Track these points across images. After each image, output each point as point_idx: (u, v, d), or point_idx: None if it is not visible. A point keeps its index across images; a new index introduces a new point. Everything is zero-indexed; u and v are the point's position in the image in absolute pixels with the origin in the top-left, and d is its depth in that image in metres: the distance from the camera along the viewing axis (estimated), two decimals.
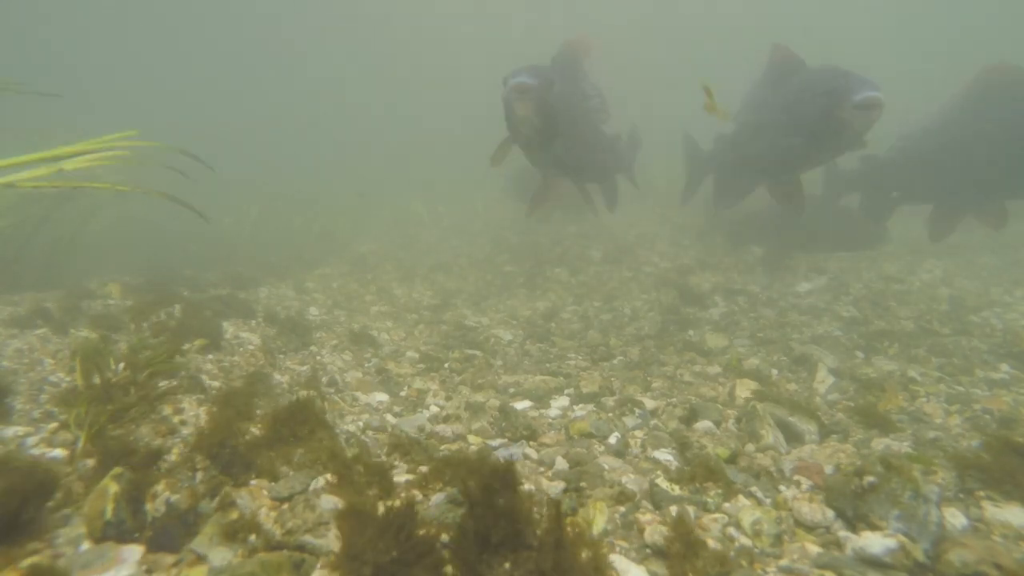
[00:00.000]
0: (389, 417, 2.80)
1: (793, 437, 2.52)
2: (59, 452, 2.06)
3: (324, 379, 3.24)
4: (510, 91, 3.19)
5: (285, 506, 1.71)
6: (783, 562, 1.64)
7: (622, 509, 1.87)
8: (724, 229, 7.12)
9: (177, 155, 2.42)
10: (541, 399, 3.08)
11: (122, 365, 2.58)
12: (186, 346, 3.14)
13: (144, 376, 2.46)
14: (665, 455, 2.32)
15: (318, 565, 1.50)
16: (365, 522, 1.38)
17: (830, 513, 1.84)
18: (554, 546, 1.31)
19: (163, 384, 2.54)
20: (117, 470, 1.70)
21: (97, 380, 2.38)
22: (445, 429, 2.62)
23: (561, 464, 2.22)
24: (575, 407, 2.95)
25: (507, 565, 1.31)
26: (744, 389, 2.99)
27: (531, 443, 2.46)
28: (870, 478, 1.81)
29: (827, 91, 3.23)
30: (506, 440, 2.50)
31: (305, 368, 3.40)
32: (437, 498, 1.80)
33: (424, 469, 2.00)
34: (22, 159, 1.87)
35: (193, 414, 2.38)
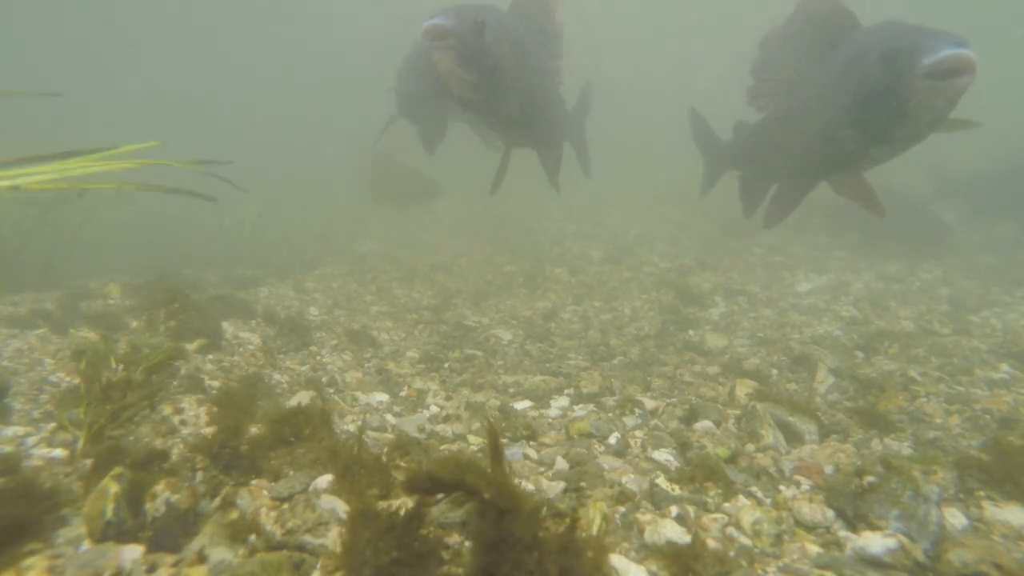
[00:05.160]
0: (389, 417, 2.80)
1: (793, 437, 2.52)
2: (59, 452, 2.06)
3: (324, 379, 3.25)
4: (423, 38, 2.52)
5: (285, 506, 1.71)
6: (783, 562, 1.64)
7: (622, 509, 1.87)
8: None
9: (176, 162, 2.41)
10: (541, 399, 3.08)
11: (121, 366, 2.57)
12: (187, 346, 3.14)
13: (142, 375, 2.46)
14: (665, 455, 2.32)
15: (318, 565, 1.50)
16: (367, 522, 1.38)
17: (830, 513, 1.84)
18: (556, 547, 1.31)
19: (164, 383, 2.54)
20: (117, 470, 1.70)
21: (100, 381, 2.37)
22: (445, 429, 2.62)
23: (561, 464, 2.22)
24: (575, 407, 2.95)
25: (507, 566, 1.31)
26: (744, 389, 2.99)
27: (531, 443, 2.46)
28: (870, 478, 1.81)
29: (885, 56, 2.34)
30: (506, 440, 2.50)
31: (305, 368, 3.40)
32: (437, 498, 1.79)
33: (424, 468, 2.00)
34: (42, 169, 1.85)
35: (193, 414, 2.38)
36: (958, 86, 2.16)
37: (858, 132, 2.62)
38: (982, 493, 1.93)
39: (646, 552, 1.67)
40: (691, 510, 1.88)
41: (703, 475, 2.04)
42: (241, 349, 3.38)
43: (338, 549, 1.40)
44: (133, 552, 1.51)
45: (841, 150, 2.78)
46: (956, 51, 2.12)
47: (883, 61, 2.34)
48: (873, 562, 1.59)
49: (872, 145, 2.66)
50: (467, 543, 1.48)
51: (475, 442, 2.51)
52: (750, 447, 2.40)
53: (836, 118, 2.70)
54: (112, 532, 1.58)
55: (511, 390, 3.23)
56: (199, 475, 1.90)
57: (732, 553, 1.66)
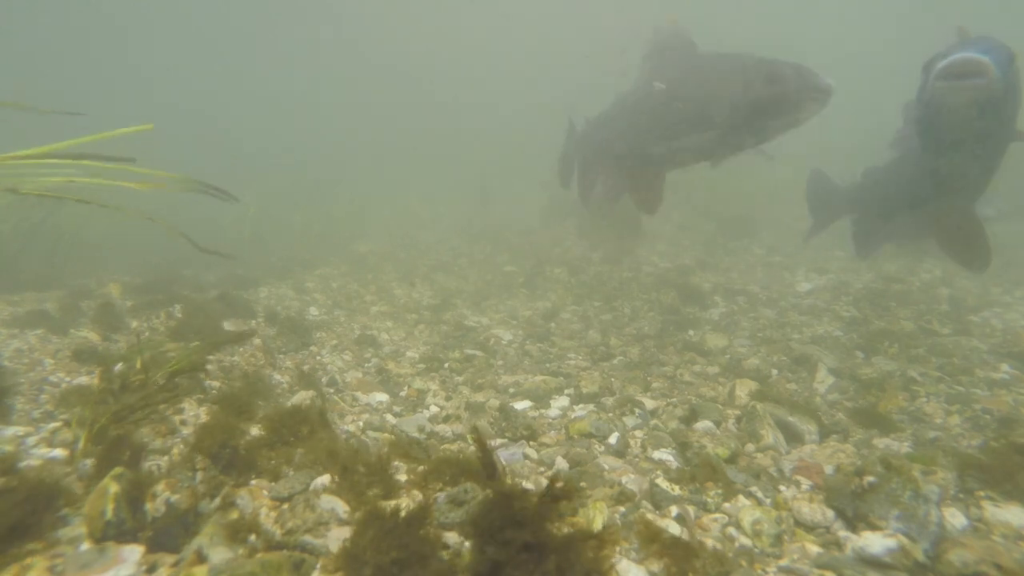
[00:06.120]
0: (389, 417, 2.80)
1: (793, 437, 2.52)
2: (59, 452, 2.06)
3: (324, 379, 3.24)
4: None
5: (285, 506, 1.71)
6: (783, 562, 1.64)
7: (622, 509, 1.87)
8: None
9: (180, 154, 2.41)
10: (541, 399, 3.08)
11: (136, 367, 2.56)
12: (186, 346, 3.13)
13: (163, 379, 2.44)
14: (665, 455, 2.32)
15: (318, 565, 1.50)
16: (368, 523, 1.38)
17: (830, 513, 1.84)
18: (556, 547, 1.31)
19: (179, 383, 2.52)
20: (117, 470, 1.70)
21: (116, 383, 2.36)
22: (445, 429, 2.62)
23: (561, 464, 2.22)
24: (575, 407, 2.95)
25: (508, 566, 1.31)
26: (744, 389, 2.99)
27: (531, 443, 2.46)
28: (870, 478, 1.81)
29: (924, 67, 2.49)
30: (506, 440, 2.50)
31: (305, 368, 3.40)
32: (437, 498, 1.79)
33: (423, 469, 2.00)
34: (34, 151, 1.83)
35: (193, 414, 2.38)
36: (967, 86, 2.29)
37: (925, 147, 2.71)
38: (982, 493, 1.93)
39: (646, 552, 1.67)
40: (691, 510, 1.88)
41: (703, 475, 2.04)
42: (241, 349, 3.37)
43: (339, 549, 1.41)
44: (133, 552, 1.51)
45: (923, 171, 2.85)
46: (966, 55, 2.24)
47: (923, 72, 2.50)
48: (873, 562, 1.59)
49: (938, 158, 2.69)
50: (467, 543, 1.48)
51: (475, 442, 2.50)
52: (750, 447, 2.40)
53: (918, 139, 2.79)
54: (112, 532, 1.58)
55: (511, 390, 3.23)
56: (199, 475, 1.90)
57: (732, 553, 1.66)
